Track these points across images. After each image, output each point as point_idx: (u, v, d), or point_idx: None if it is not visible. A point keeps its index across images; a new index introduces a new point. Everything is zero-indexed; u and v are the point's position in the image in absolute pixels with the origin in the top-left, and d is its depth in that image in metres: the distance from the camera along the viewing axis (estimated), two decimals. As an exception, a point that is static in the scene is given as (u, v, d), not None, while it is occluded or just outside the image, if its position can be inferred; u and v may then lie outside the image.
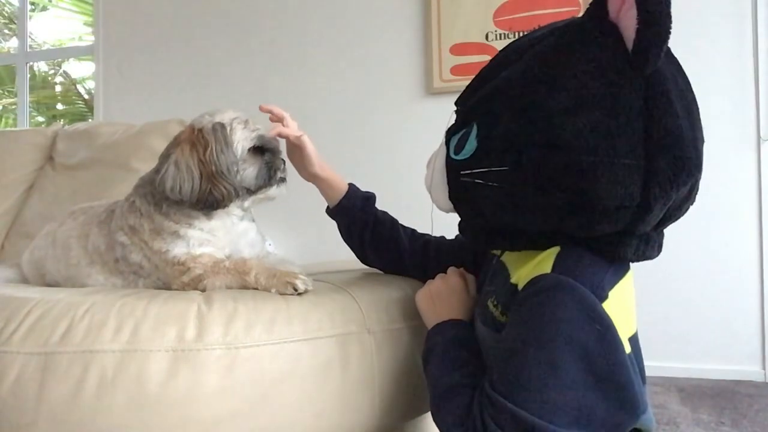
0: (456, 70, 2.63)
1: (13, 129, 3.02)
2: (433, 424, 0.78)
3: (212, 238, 0.98)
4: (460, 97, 0.82)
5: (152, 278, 0.98)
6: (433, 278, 0.95)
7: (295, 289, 0.88)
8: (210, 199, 0.93)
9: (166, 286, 0.96)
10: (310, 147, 1.04)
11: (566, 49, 0.69)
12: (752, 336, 2.40)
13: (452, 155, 0.78)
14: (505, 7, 2.60)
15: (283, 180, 1.01)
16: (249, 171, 0.96)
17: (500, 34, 2.61)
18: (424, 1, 2.76)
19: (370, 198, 1.09)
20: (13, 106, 5.10)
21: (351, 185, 1.09)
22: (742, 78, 2.41)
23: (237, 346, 0.78)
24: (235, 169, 0.95)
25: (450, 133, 0.81)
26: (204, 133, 0.94)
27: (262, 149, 0.98)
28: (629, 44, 0.65)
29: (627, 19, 0.66)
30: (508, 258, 0.83)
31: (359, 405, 0.87)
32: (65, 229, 1.09)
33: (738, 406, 2.05)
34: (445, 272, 0.96)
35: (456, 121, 0.81)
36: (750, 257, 2.40)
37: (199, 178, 0.92)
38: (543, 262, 0.72)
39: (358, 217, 1.06)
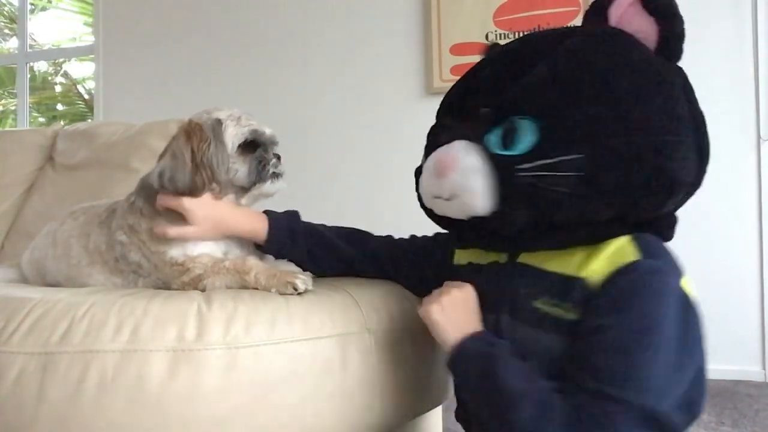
0: (456, 70, 2.62)
1: (13, 129, 3.02)
2: (433, 424, 0.77)
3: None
4: (480, 93, 0.79)
5: (152, 278, 0.98)
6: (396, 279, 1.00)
7: (295, 289, 0.88)
8: (195, 187, 0.92)
9: (166, 286, 0.96)
10: (191, 218, 0.93)
11: (600, 43, 0.75)
12: (752, 336, 2.40)
13: (499, 151, 0.74)
14: (505, 7, 2.60)
15: (276, 175, 0.98)
16: (241, 170, 0.96)
17: (500, 34, 2.61)
18: (424, 1, 2.76)
19: (293, 231, 1.00)
20: (14, 107, 5.10)
21: (270, 223, 0.99)
22: (742, 78, 2.41)
23: (237, 346, 0.78)
24: (226, 167, 0.94)
25: (478, 130, 0.76)
26: (201, 127, 0.95)
27: (255, 144, 0.97)
28: (650, 43, 0.75)
29: (634, 24, 0.76)
30: (533, 258, 0.80)
31: (359, 405, 0.87)
32: (66, 228, 1.09)
33: (738, 406, 2.05)
34: (404, 273, 1.01)
35: (484, 117, 0.76)
36: (750, 257, 2.40)
37: (191, 167, 0.92)
38: (621, 251, 0.72)
39: (289, 255, 1.00)
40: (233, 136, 0.95)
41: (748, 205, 2.41)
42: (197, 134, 0.94)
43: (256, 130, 0.98)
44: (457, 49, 2.64)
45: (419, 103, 2.76)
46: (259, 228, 0.98)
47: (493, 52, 0.85)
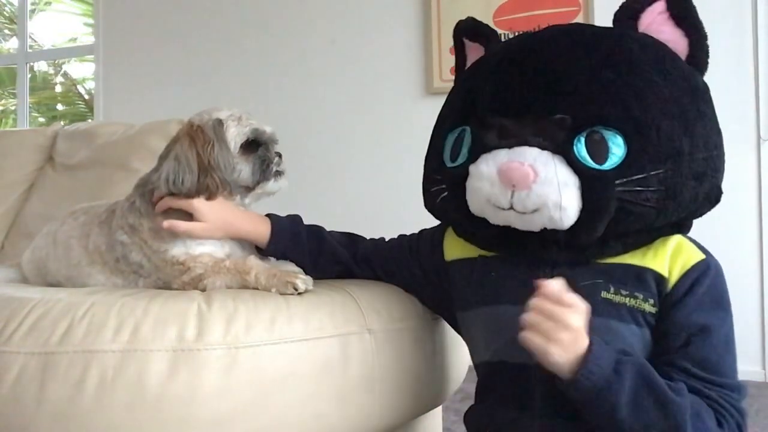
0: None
1: (13, 129, 3.02)
2: (433, 424, 0.77)
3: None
4: (547, 94, 0.74)
5: (152, 278, 0.98)
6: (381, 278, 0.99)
7: (296, 289, 0.88)
8: (206, 190, 0.93)
9: (167, 286, 0.96)
10: (202, 217, 0.93)
11: (656, 57, 0.76)
12: (752, 336, 2.40)
13: (593, 165, 0.71)
14: (505, 7, 2.60)
15: (279, 174, 0.99)
16: (244, 170, 0.96)
17: (500, 35, 2.60)
18: (424, 1, 2.76)
19: (296, 234, 1.00)
20: (14, 107, 5.10)
21: (272, 226, 0.98)
22: (742, 78, 2.41)
23: (237, 346, 0.78)
24: (231, 167, 0.95)
25: (557, 138, 0.72)
26: (203, 129, 0.95)
27: (256, 143, 0.97)
28: (679, 53, 0.78)
29: (663, 34, 0.78)
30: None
31: (359, 405, 0.87)
32: (66, 229, 1.09)
33: (738, 406, 2.05)
34: (395, 276, 0.99)
35: (561, 124, 0.72)
36: (750, 257, 2.40)
37: (197, 170, 0.93)
38: (683, 250, 0.77)
39: (291, 257, 0.99)
40: (235, 135, 0.95)
41: (748, 205, 2.41)
42: (200, 137, 0.94)
43: (257, 129, 0.97)
44: (457, 49, 2.64)
45: (419, 103, 2.76)
46: (263, 230, 0.98)
47: (530, 42, 0.82)
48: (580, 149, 0.71)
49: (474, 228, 0.84)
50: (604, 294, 0.75)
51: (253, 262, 0.93)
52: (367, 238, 1.06)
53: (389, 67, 2.83)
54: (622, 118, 0.71)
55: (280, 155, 1.00)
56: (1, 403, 0.76)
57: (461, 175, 0.79)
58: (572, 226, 0.72)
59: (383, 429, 0.92)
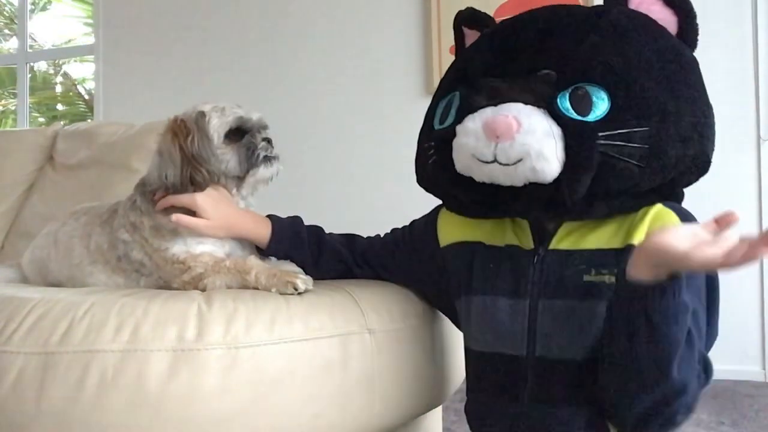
0: (456, 70, 2.63)
1: (13, 129, 3.02)
2: (433, 424, 0.77)
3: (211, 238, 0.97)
4: (535, 54, 0.76)
5: (154, 276, 0.98)
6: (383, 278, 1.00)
7: (296, 289, 0.88)
8: (191, 182, 0.93)
9: (167, 285, 0.96)
10: (205, 214, 0.93)
11: (643, 25, 0.78)
12: (752, 336, 2.40)
13: (577, 116, 0.72)
14: (505, 7, 2.60)
15: (268, 159, 0.97)
16: (231, 160, 0.95)
17: (500, 34, 2.61)
18: (424, 1, 2.76)
19: (297, 234, 1.00)
20: (14, 107, 5.10)
21: (272, 226, 0.99)
22: (742, 78, 2.41)
23: (237, 346, 0.78)
24: (216, 158, 0.94)
25: (542, 93, 0.73)
26: (186, 122, 0.95)
27: (241, 131, 0.96)
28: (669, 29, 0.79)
29: (653, 13, 0.79)
30: (565, 243, 0.80)
31: (359, 405, 0.87)
32: (67, 229, 1.09)
33: (738, 406, 2.05)
34: (394, 272, 1.00)
35: (546, 80, 0.74)
36: (750, 257, 2.40)
37: (180, 163, 0.92)
38: (662, 218, 0.76)
39: (292, 256, 1.00)
40: (218, 126, 0.95)
41: (748, 205, 2.41)
42: (182, 130, 0.94)
43: (242, 116, 0.97)
44: (457, 49, 2.64)
45: (419, 103, 2.75)
46: (263, 229, 0.98)
47: (523, 16, 0.84)
48: (564, 102, 0.73)
49: (462, 192, 0.84)
50: (586, 277, 0.78)
51: (254, 261, 0.93)
52: (364, 237, 1.06)
53: (389, 67, 2.83)
54: (606, 74, 0.73)
55: (269, 140, 0.98)
56: (1, 403, 0.76)
57: (449, 136, 0.79)
58: (555, 181, 0.72)
59: (383, 429, 0.92)
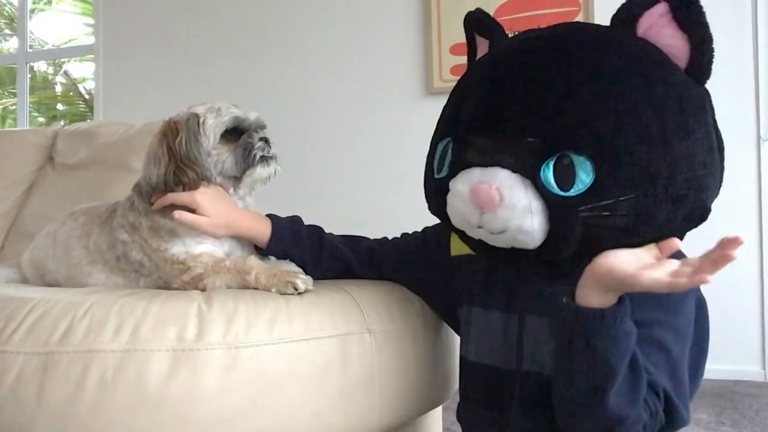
0: (456, 70, 2.62)
1: (13, 129, 3.02)
2: (433, 424, 0.77)
3: (211, 237, 0.97)
4: (521, 114, 0.72)
5: (153, 277, 0.98)
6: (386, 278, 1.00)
7: (296, 289, 0.87)
8: (177, 183, 0.92)
9: (167, 285, 0.96)
10: (204, 212, 0.93)
11: (645, 71, 0.72)
12: (752, 336, 2.40)
13: (558, 192, 0.70)
14: (505, 7, 2.60)
15: (265, 159, 0.96)
16: (228, 160, 0.95)
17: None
18: (424, 1, 2.76)
19: (297, 233, 1.00)
20: (14, 107, 5.10)
21: (272, 225, 0.99)
22: (742, 78, 2.41)
23: (237, 346, 0.78)
24: (210, 158, 0.94)
25: (526, 161, 0.71)
26: (177, 124, 0.95)
27: (237, 131, 0.96)
28: (678, 61, 0.73)
29: (663, 38, 0.73)
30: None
31: (359, 405, 0.87)
32: (66, 229, 1.09)
33: (738, 406, 2.05)
34: (401, 272, 1.00)
35: (531, 147, 0.71)
36: (750, 257, 2.40)
37: (165, 165, 0.92)
38: None
39: (292, 255, 1.00)
40: (214, 126, 0.94)
41: (748, 205, 2.41)
42: (173, 132, 0.94)
43: (238, 116, 0.96)
44: (457, 49, 2.64)
45: (419, 103, 2.76)
46: (263, 228, 0.98)
47: (524, 57, 0.78)
48: (548, 174, 0.70)
49: (461, 236, 0.85)
50: (566, 300, 0.75)
51: (254, 261, 0.93)
52: (370, 238, 1.06)
53: (389, 67, 2.83)
54: (592, 144, 0.69)
55: (266, 140, 0.97)
56: (1, 403, 0.76)
57: (443, 189, 0.80)
58: (544, 247, 0.73)
59: (383, 429, 0.92)
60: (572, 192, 0.69)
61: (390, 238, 1.06)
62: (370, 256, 1.02)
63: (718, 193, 0.76)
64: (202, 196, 0.93)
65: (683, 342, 0.75)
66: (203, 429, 0.76)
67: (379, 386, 0.89)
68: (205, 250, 0.96)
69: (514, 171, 0.71)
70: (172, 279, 0.95)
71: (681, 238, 0.76)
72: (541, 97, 0.72)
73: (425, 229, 1.03)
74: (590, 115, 0.69)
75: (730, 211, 2.39)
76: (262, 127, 0.99)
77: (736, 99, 2.39)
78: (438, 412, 1.28)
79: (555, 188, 0.70)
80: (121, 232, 0.99)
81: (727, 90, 2.43)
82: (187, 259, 0.94)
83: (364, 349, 0.88)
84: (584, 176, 0.69)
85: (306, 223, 1.04)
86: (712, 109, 0.75)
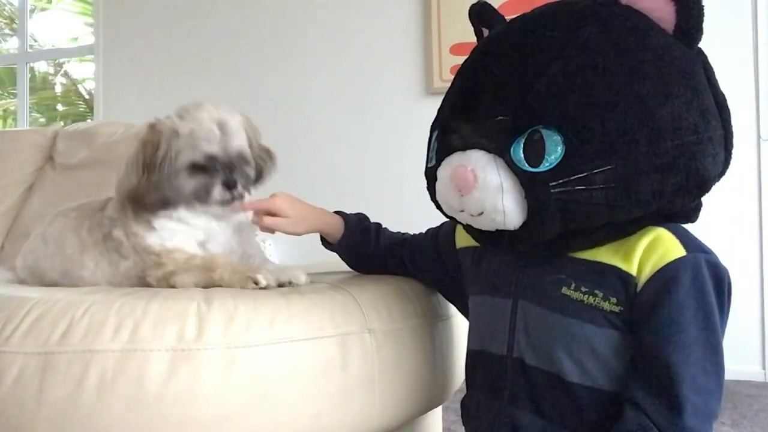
0: (456, 70, 2.62)
1: (13, 129, 3.02)
2: (433, 424, 0.77)
3: (185, 227, 0.99)
4: (494, 96, 0.72)
5: (131, 260, 0.99)
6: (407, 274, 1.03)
7: (256, 283, 0.90)
8: (142, 203, 0.95)
9: (144, 275, 0.98)
10: (285, 214, 0.99)
11: (618, 38, 0.69)
12: (752, 336, 2.40)
13: (528, 168, 0.68)
14: (505, 7, 2.60)
15: (223, 202, 0.96)
16: (187, 188, 0.95)
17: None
18: (424, 1, 2.76)
19: (365, 229, 1.06)
20: (14, 107, 5.10)
21: (345, 220, 1.05)
22: (742, 78, 2.41)
23: (237, 345, 0.78)
24: (176, 183, 0.94)
25: (497, 141, 0.70)
26: (161, 137, 0.95)
27: (206, 169, 0.95)
28: (665, 25, 0.70)
29: (645, 2, 0.70)
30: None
31: (359, 405, 0.87)
32: (57, 226, 1.10)
33: (738, 406, 2.05)
34: (421, 269, 1.03)
35: (501, 126, 0.70)
36: (750, 257, 2.40)
37: (138, 177, 0.94)
38: (664, 245, 0.70)
39: (359, 252, 1.07)
40: (184, 158, 0.94)
41: (748, 205, 2.41)
42: (151, 144, 0.95)
43: (209, 154, 0.94)
44: (457, 49, 2.64)
45: (419, 103, 2.76)
46: (337, 224, 1.04)
47: (499, 41, 0.78)
48: (518, 151, 0.69)
49: (454, 222, 0.87)
50: (564, 290, 0.74)
51: (221, 260, 0.96)
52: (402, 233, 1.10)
53: (389, 67, 2.83)
54: (560, 116, 0.67)
55: (234, 183, 0.95)
56: (1, 403, 0.76)
57: (433, 177, 0.81)
58: (526, 227, 0.71)
59: (383, 429, 0.92)
60: (542, 167, 0.68)
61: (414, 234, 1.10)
62: (393, 252, 1.06)
63: (723, 160, 0.71)
64: (281, 200, 1.00)
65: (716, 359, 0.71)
66: (203, 429, 0.76)
67: (379, 386, 0.89)
68: (179, 242, 0.97)
69: (489, 152, 0.71)
70: (147, 270, 0.97)
71: (686, 212, 0.74)
72: (512, 76, 0.71)
73: (442, 224, 1.04)
74: (559, 88, 0.68)
75: (730, 210, 2.40)
76: (243, 162, 0.98)
77: (736, 99, 2.37)
78: (438, 412, 1.28)
79: (525, 165, 0.69)
80: (110, 210, 1.02)
81: (727, 90, 2.42)
82: (161, 253, 0.96)
83: (364, 349, 0.88)
84: (553, 150, 0.67)
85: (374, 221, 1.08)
86: (708, 71, 0.73)
